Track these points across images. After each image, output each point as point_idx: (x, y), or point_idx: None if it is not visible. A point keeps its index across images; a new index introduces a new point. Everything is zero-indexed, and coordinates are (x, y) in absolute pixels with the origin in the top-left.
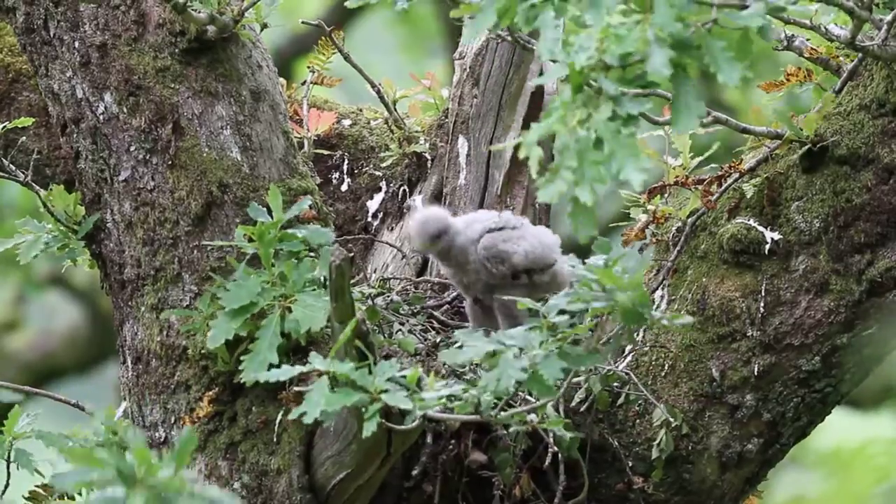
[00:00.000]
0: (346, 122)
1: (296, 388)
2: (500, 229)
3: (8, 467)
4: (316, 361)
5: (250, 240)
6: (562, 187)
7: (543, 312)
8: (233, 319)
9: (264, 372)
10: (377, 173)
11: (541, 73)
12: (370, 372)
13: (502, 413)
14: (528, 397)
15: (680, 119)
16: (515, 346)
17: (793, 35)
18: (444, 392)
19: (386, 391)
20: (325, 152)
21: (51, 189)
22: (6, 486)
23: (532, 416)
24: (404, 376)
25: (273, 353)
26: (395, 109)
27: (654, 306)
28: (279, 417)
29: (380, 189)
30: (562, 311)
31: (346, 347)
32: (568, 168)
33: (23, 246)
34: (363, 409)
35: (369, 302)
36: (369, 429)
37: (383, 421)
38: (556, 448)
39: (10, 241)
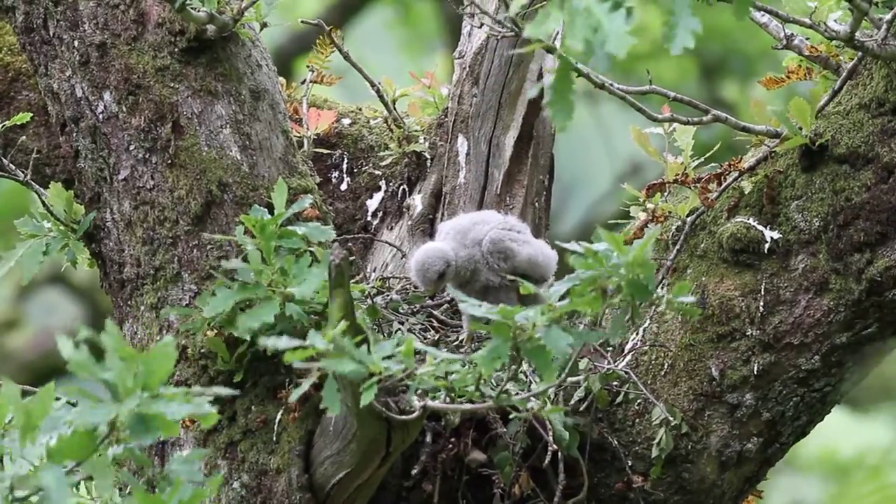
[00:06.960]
0: (346, 121)
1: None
2: (509, 230)
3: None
4: (316, 340)
5: (252, 236)
6: (555, 24)
7: (546, 297)
8: (234, 294)
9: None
10: (377, 172)
11: (540, 74)
12: (369, 351)
13: (502, 397)
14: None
15: (674, 37)
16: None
17: (792, 34)
18: (442, 367)
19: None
20: (325, 151)
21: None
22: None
23: (532, 404)
24: (401, 351)
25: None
26: (395, 108)
27: (653, 305)
28: (278, 417)
29: (379, 188)
30: (564, 297)
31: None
32: (557, 14)
33: (23, 260)
34: (360, 385)
35: (369, 301)
36: (367, 398)
37: (383, 410)
38: (555, 447)
39: (13, 254)
